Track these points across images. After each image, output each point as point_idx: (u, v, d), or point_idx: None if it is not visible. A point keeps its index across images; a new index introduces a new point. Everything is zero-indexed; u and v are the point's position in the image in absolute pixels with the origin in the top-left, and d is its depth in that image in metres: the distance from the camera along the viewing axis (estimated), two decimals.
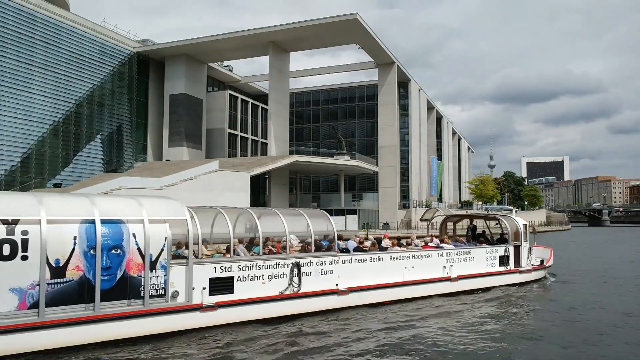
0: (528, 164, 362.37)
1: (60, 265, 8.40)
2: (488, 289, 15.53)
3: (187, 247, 10.10)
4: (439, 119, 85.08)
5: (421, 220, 21.40)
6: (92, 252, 8.71)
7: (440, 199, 76.93)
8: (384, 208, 56.77)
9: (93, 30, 47.59)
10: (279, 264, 11.17)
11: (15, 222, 8.18)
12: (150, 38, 59.51)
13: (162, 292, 9.44)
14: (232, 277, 10.44)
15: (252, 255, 11.34)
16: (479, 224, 20.71)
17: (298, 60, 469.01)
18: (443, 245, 15.70)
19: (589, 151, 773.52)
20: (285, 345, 9.24)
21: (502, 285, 16.12)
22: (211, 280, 10.11)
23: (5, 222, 8.06)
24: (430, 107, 77.39)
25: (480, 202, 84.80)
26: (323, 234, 12.78)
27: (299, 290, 11.33)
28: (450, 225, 20.84)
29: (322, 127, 74.74)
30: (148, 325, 9.23)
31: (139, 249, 9.23)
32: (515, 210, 20.17)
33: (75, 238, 8.63)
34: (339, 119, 73.54)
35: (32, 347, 8.11)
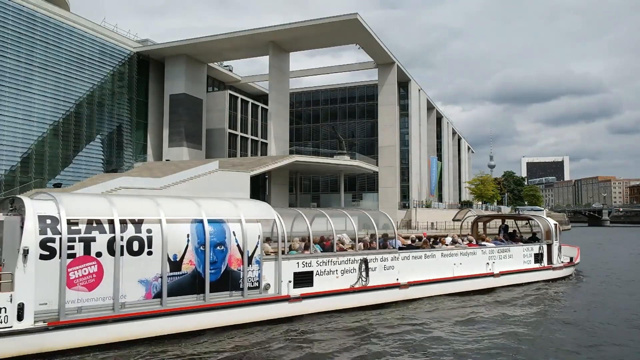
0: (528, 164, 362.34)
1: (177, 260, 9.53)
2: (525, 284, 16.60)
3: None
4: (439, 119, 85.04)
5: (454, 220, 22.71)
6: (201, 248, 9.82)
7: (440, 199, 76.92)
8: (384, 208, 56.69)
9: (93, 30, 47.58)
10: (349, 260, 12.27)
11: (141, 221, 9.28)
12: (150, 38, 59.52)
13: (257, 285, 10.56)
14: (312, 272, 11.52)
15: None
16: (507, 224, 21.82)
17: (299, 60, 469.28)
18: (485, 243, 16.90)
19: (589, 151, 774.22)
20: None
21: (538, 281, 17.20)
22: (295, 274, 11.22)
23: (133, 221, 9.14)
24: (430, 107, 77.37)
25: (480, 202, 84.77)
26: (370, 232, 14.01)
27: (366, 283, 12.44)
28: (478, 224, 21.92)
29: (322, 127, 74.73)
30: (246, 314, 10.35)
31: (238, 245, 10.36)
32: (544, 212, 21.42)
33: (188, 236, 9.74)
34: (339, 119, 73.52)
35: (156, 332, 9.13)
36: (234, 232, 10.31)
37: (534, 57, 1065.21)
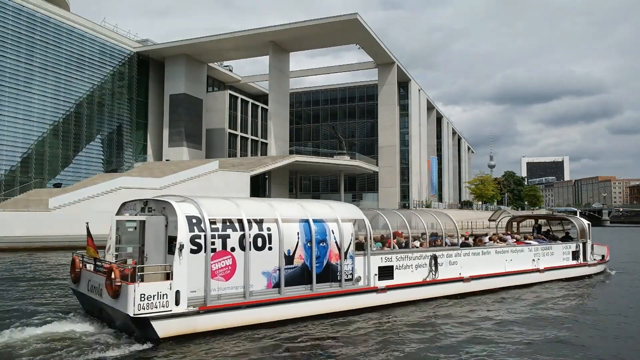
0: (528, 164, 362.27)
1: (290, 254, 10.81)
2: (566, 279, 17.98)
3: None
4: (439, 119, 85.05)
5: (489, 220, 24.30)
6: (308, 244, 11.09)
7: (440, 199, 76.93)
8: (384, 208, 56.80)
9: (93, 30, 47.60)
10: (422, 256, 13.63)
11: (262, 221, 10.55)
12: (150, 38, 59.52)
13: (350, 277, 11.81)
14: (392, 266, 12.85)
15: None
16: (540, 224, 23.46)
17: (300, 61, 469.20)
18: (530, 241, 18.14)
19: (589, 151, 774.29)
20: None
21: (577, 277, 18.64)
22: (379, 268, 12.49)
23: (256, 221, 10.44)
24: (430, 107, 77.37)
25: (480, 202, 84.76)
26: (432, 231, 15.37)
27: (436, 277, 13.77)
28: (513, 224, 23.35)
29: (322, 127, 74.74)
30: (343, 303, 11.56)
31: (336, 242, 11.58)
32: (579, 212, 22.84)
33: (298, 234, 10.99)
34: (339, 119, 73.53)
35: (275, 317, 10.33)
36: (332, 231, 11.60)
37: (536, 57, 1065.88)
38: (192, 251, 9.41)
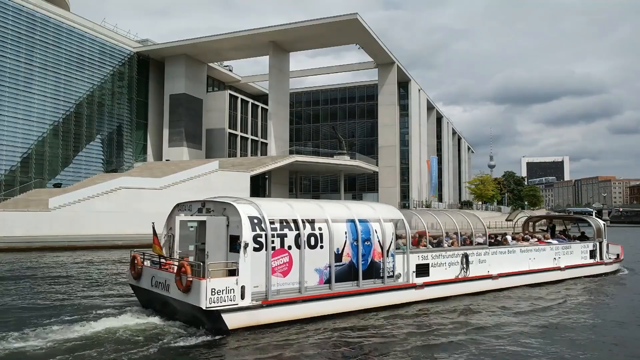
0: (528, 164, 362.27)
1: (339, 252, 11.50)
2: (585, 277, 18.71)
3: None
4: (439, 119, 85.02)
5: (507, 220, 24.07)
6: (355, 243, 11.77)
7: (440, 199, 76.90)
8: None
9: (93, 30, 47.59)
10: (454, 255, 14.37)
11: (313, 221, 11.23)
12: (150, 38, 59.51)
13: (391, 274, 12.58)
14: (428, 264, 13.60)
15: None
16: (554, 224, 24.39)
17: (301, 61, 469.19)
18: (550, 240, 19.04)
19: (589, 151, 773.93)
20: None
21: (595, 275, 19.32)
22: (417, 265, 13.26)
23: (309, 221, 11.12)
24: (430, 107, 77.34)
25: (480, 202, 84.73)
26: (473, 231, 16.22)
27: (467, 274, 14.51)
28: (529, 223, 24.14)
29: (322, 127, 74.72)
30: (386, 298, 12.31)
31: (379, 241, 12.30)
32: (593, 213, 23.63)
33: (345, 233, 11.67)
34: (339, 119, 73.51)
35: (327, 311, 11.05)
36: (375, 230, 12.29)
37: (536, 57, 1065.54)
38: (255, 249, 10.13)
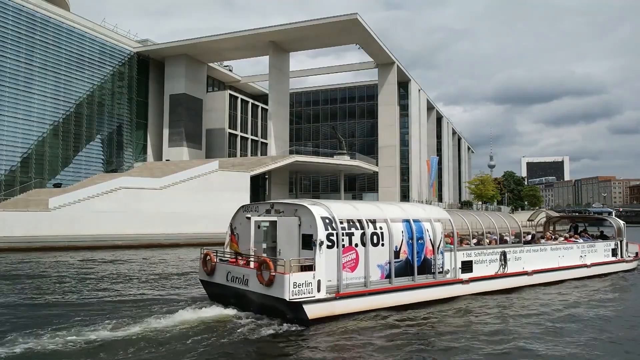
0: (528, 164, 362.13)
1: (397, 250, 12.55)
2: (607, 274, 19.63)
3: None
4: (439, 119, 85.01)
5: (528, 220, 25.97)
6: (410, 241, 12.82)
7: (440, 199, 76.88)
8: None
9: (93, 30, 47.58)
10: (493, 252, 15.41)
11: (375, 221, 12.26)
12: (150, 38, 59.50)
13: (441, 270, 13.57)
14: (471, 261, 14.62)
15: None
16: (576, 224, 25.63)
17: (302, 61, 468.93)
18: (577, 240, 19.99)
19: (590, 151, 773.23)
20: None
21: (616, 272, 20.21)
22: (462, 262, 14.27)
23: (371, 221, 12.15)
24: (430, 107, 77.34)
25: (480, 202, 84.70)
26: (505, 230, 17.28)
27: (505, 271, 15.57)
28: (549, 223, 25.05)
29: (322, 127, 74.72)
30: (437, 292, 13.29)
31: (430, 239, 13.30)
32: (612, 213, 24.23)
33: (402, 232, 12.72)
34: (339, 119, 73.50)
35: (387, 303, 12.04)
36: (427, 229, 13.29)
37: (536, 57, 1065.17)
38: (328, 247, 11.12)
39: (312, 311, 10.56)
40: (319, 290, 10.72)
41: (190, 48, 53.30)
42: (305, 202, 11.83)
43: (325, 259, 10.95)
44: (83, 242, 29.52)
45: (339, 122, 72.56)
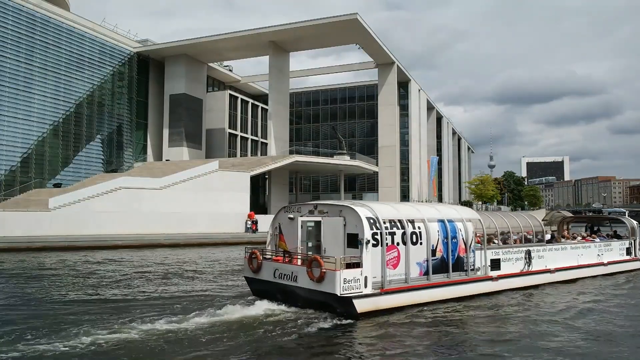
0: (528, 164, 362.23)
1: (434, 248, 13.17)
2: (622, 272, 20.30)
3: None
4: (439, 119, 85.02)
5: (543, 220, 26.63)
6: (445, 240, 13.46)
7: (440, 199, 76.89)
8: None
9: (93, 30, 47.57)
10: (519, 251, 16.12)
11: (413, 221, 12.90)
12: (150, 38, 59.50)
13: (472, 268, 14.24)
14: (499, 259, 15.31)
15: None
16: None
17: (303, 61, 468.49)
18: (595, 239, 20.63)
19: (590, 151, 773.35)
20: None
21: (630, 270, 20.92)
22: (491, 260, 14.97)
23: (410, 221, 12.80)
24: (430, 107, 77.34)
25: (480, 202, 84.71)
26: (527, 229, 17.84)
27: (530, 269, 16.32)
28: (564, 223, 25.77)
29: (322, 127, 74.72)
30: (469, 289, 14.02)
31: (463, 238, 13.95)
32: (626, 213, 24.93)
33: (437, 232, 13.35)
34: (339, 119, 73.50)
35: (424, 299, 12.73)
36: (460, 229, 13.96)
37: (537, 58, 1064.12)
38: (373, 245, 11.76)
39: (361, 305, 11.23)
40: (365, 286, 11.39)
41: (190, 48, 53.30)
42: (350, 204, 12.52)
43: (371, 256, 11.64)
44: (83, 242, 29.50)
45: (339, 122, 72.56)
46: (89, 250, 27.90)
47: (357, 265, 11.43)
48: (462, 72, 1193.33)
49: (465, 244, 13.99)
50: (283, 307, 11.94)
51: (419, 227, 12.94)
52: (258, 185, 52.06)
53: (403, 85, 63.43)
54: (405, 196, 61.97)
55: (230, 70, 68.09)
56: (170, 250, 29.17)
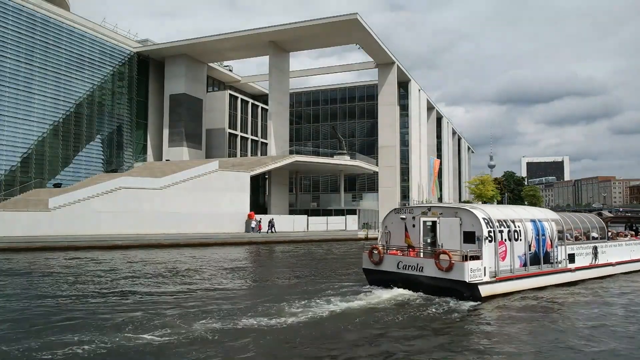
0: (528, 164, 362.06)
1: (529, 244, 15.86)
2: None
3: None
4: (439, 119, 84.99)
5: None
6: (537, 237, 16.18)
7: (440, 199, 76.87)
8: (384, 208, 56.67)
9: (93, 31, 47.56)
10: (588, 247, 18.82)
11: (514, 221, 15.60)
12: (150, 38, 59.48)
13: (556, 261, 16.95)
14: (574, 254, 17.90)
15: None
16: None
17: (304, 61, 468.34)
18: None
19: (590, 152, 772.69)
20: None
21: None
22: (568, 255, 17.53)
23: (512, 221, 15.47)
24: (430, 107, 77.30)
25: (480, 202, 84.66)
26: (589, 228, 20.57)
27: (596, 262, 19.09)
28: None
29: (322, 127, 74.71)
30: (555, 279, 16.78)
31: (549, 235, 16.67)
32: None
33: (531, 230, 16.05)
34: (339, 119, 73.47)
35: (524, 287, 15.33)
36: (546, 227, 16.63)
37: (538, 59, 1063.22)
38: (489, 241, 14.24)
39: (484, 290, 13.67)
40: (485, 275, 13.84)
41: (190, 48, 53.28)
42: (466, 206, 15.19)
43: (487, 250, 14.09)
44: (83, 242, 29.52)
45: (339, 122, 72.54)
46: (89, 249, 27.88)
47: (477, 257, 13.76)
48: (463, 73, 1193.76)
49: (550, 240, 16.62)
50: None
51: (518, 226, 15.50)
52: (258, 185, 52.08)
53: (403, 85, 63.39)
54: (405, 196, 61.93)
55: (230, 70, 68.07)
56: (186, 250, 29.17)
